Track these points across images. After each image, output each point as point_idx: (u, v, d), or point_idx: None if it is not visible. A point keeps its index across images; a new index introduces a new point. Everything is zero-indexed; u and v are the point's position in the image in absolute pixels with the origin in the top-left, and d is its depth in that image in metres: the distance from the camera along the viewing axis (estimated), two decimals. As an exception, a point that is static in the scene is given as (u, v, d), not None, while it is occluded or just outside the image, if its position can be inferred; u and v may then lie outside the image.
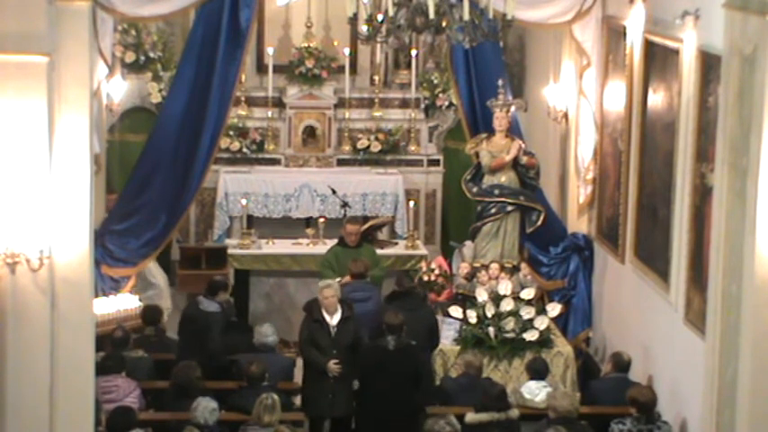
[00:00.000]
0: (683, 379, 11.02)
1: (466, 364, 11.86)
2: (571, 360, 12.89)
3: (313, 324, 12.00)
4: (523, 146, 13.67)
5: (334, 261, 13.89)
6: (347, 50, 16.98)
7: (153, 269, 14.79)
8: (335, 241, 14.33)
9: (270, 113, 17.06)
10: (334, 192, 16.22)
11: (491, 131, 13.66)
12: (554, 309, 13.11)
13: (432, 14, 9.45)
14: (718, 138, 9.64)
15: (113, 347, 12.05)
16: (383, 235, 16.10)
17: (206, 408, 10.51)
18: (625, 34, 12.68)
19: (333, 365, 11.81)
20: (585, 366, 13.51)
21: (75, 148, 10.17)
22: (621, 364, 11.73)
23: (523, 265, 13.74)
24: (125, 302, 13.48)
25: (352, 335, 11.99)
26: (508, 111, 13.62)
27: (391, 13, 9.66)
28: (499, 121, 13.58)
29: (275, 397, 10.68)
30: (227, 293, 13.20)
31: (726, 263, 9.40)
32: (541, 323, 12.81)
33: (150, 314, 12.96)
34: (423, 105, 17.43)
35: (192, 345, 12.36)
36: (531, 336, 12.73)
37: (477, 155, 13.72)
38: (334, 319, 11.98)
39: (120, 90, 15.80)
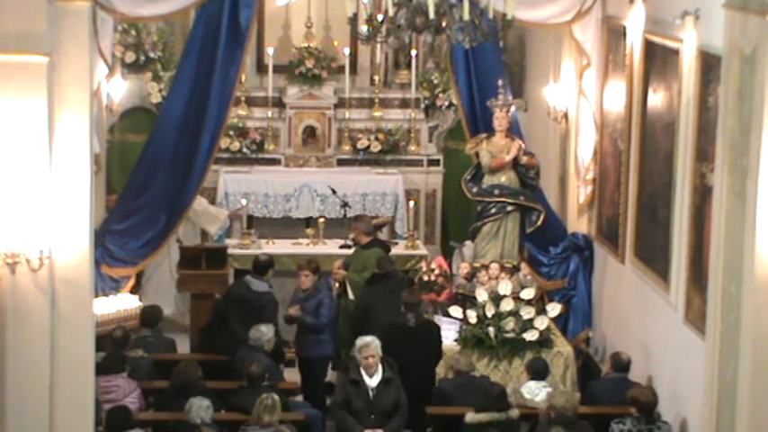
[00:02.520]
0: (683, 379, 11.02)
1: (455, 371, 11.81)
2: (571, 360, 12.89)
3: (349, 386, 10.83)
4: (523, 146, 13.67)
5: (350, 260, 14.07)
6: (347, 50, 16.95)
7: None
8: (335, 241, 14.35)
9: (270, 113, 17.04)
10: (334, 192, 16.21)
11: (491, 131, 13.66)
12: (554, 309, 13.11)
13: (432, 14, 9.45)
14: (718, 138, 9.64)
15: (114, 347, 12.05)
16: (383, 235, 16.08)
17: (200, 407, 10.51)
18: (625, 34, 12.68)
19: None
20: (585, 366, 13.51)
21: (75, 148, 10.18)
22: (621, 364, 11.72)
23: (523, 265, 13.73)
24: (125, 302, 13.49)
25: (393, 399, 10.87)
26: (508, 111, 13.62)
27: (391, 13, 9.66)
28: (499, 121, 13.59)
29: (275, 397, 10.68)
30: (273, 272, 13.20)
31: (726, 263, 9.39)
32: (541, 323, 12.81)
33: (148, 316, 12.94)
34: (423, 105, 17.41)
35: (247, 327, 12.31)
36: (531, 336, 12.72)
37: (477, 155, 13.72)
38: (373, 381, 10.85)
39: (120, 90, 15.79)
